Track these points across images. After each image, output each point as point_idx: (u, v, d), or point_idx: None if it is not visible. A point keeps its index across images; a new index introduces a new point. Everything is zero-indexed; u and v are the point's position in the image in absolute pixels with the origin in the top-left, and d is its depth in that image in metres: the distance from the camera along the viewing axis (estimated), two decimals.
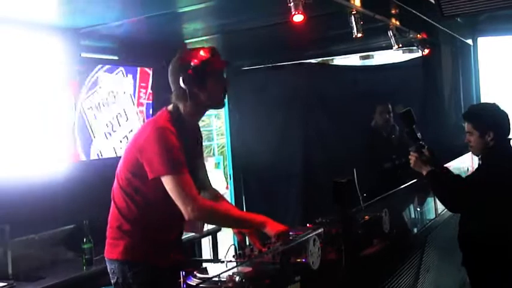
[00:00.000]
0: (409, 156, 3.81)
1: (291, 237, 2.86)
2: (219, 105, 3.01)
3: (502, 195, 3.48)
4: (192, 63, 2.79)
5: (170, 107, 2.91)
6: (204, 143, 3.33)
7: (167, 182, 2.70)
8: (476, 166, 4.18)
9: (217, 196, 3.22)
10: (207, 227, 5.34)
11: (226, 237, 5.95)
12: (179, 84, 2.82)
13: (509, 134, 3.72)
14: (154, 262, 2.86)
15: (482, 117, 3.71)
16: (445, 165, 3.89)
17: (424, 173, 3.72)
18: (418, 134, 3.82)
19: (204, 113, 3.03)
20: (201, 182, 3.09)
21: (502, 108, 3.77)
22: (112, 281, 2.92)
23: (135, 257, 2.86)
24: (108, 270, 2.94)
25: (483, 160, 3.78)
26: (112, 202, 2.95)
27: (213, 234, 5.68)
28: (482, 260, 3.63)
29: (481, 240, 3.58)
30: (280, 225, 2.80)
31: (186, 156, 2.78)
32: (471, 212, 3.65)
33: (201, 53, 2.82)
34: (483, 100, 7.21)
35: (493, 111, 3.77)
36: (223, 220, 3.01)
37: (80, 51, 5.04)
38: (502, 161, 3.61)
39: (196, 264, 3.25)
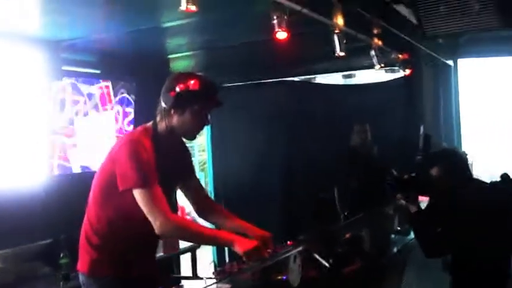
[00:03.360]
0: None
1: (268, 254, 2.81)
2: (190, 138, 2.97)
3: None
4: (179, 87, 2.72)
5: (150, 122, 2.89)
6: None
7: (137, 195, 2.66)
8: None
9: (214, 208, 3.18)
10: (185, 244, 5.31)
11: (206, 254, 5.90)
12: (163, 102, 2.78)
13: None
14: (122, 276, 2.81)
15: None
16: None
17: (413, 210, 3.73)
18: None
19: (180, 136, 2.98)
20: (193, 195, 3.11)
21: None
22: None
23: (101, 272, 2.82)
24: (80, 282, 2.91)
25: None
26: (85, 214, 2.91)
27: (192, 251, 5.63)
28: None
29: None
30: (249, 243, 2.70)
31: (163, 171, 2.74)
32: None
33: (198, 82, 2.74)
34: (463, 121, 7.28)
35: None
36: (191, 236, 2.95)
37: (61, 64, 5.00)
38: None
39: (174, 281, 3.20)
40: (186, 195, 3.17)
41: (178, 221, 2.78)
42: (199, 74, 3.13)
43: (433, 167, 3.71)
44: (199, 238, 2.99)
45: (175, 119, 2.79)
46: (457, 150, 3.84)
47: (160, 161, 2.76)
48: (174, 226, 2.71)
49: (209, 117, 2.86)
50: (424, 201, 3.99)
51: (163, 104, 2.76)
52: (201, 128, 2.90)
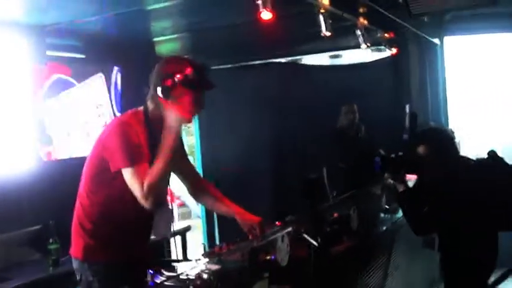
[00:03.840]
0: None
1: (254, 238, 2.81)
2: (186, 122, 2.95)
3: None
4: (177, 77, 2.69)
5: (141, 107, 2.88)
6: None
7: (125, 174, 2.67)
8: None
9: (207, 189, 3.18)
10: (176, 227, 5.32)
11: (196, 237, 5.92)
12: (155, 88, 2.74)
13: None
14: (116, 260, 2.82)
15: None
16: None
17: (400, 189, 3.76)
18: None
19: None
20: (186, 178, 3.12)
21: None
22: (77, 278, 2.90)
23: (94, 257, 2.84)
24: (73, 267, 2.92)
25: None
26: (77, 199, 2.91)
27: (182, 234, 5.65)
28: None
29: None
30: None
31: (156, 155, 2.73)
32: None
33: (192, 69, 2.71)
34: (449, 99, 7.30)
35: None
36: (163, 178, 2.77)
37: (45, 49, 4.95)
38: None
39: (164, 263, 3.20)
40: (180, 178, 3.17)
41: (148, 181, 2.65)
42: (189, 57, 3.12)
43: (419, 145, 3.72)
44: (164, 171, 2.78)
45: (171, 106, 2.76)
46: (444, 128, 3.85)
47: (153, 145, 2.75)
48: (148, 186, 2.63)
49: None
50: (411, 180, 4.01)
51: (159, 93, 2.71)
52: (198, 112, 2.88)
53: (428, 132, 4.10)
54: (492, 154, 3.73)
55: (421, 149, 3.71)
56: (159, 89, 2.70)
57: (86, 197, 2.86)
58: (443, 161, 3.65)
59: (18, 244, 4.47)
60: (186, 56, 3.13)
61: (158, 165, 2.67)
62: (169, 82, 2.68)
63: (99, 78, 5.43)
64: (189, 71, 2.70)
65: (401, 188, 3.77)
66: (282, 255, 2.49)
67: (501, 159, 3.71)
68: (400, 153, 3.86)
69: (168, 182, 2.89)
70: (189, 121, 2.91)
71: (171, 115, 2.73)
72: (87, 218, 2.85)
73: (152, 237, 3.07)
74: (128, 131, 2.70)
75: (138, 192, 2.64)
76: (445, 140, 3.78)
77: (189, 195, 3.24)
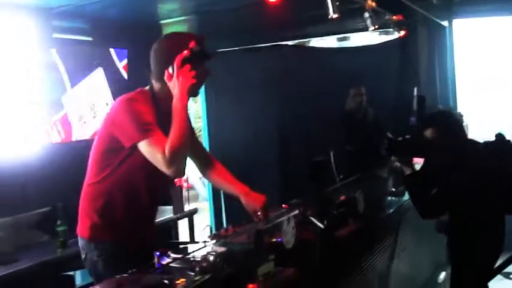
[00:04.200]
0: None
1: (259, 219, 2.83)
2: (195, 95, 2.95)
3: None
4: (179, 49, 2.68)
5: (147, 87, 2.88)
6: None
7: (142, 147, 2.65)
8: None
9: (215, 166, 3.21)
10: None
11: (203, 220, 5.94)
12: (161, 65, 2.75)
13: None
14: (122, 241, 2.83)
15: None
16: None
17: (407, 172, 3.76)
18: None
19: None
20: (195, 154, 3.12)
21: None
22: (82, 257, 2.92)
23: (101, 236, 2.84)
24: (79, 246, 2.94)
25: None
26: (85, 179, 2.92)
27: (190, 216, 5.67)
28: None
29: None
30: None
31: (164, 132, 2.73)
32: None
33: (190, 40, 2.71)
34: (458, 82, 7.26)
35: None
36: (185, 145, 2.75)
37: (52, 32, 4.95)
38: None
39: (170, 245, 3.23)
40: (190, 157, 3.12)
41: (169, 146, 2.62)
42: (185, 31, 3.12)
43: (427, 128, 3.72)
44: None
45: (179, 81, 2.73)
46: (452, 112, 3.84)
47: (161, 122, 2.74)
48: (170, 152, 2.60)
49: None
50: (418, 163, 4.01)
51: (170, 70, 2.70)
52: (204, 82, 2.86)
53: (436, 115, 4.08)
54: (500, 137, 3.72)
55: (428, 132, 3.70)
56: (170, 69, 2.69)
57: (94, 177, 2.86)
58: (451, 145, 3.64)
59: (26, 226, 4.49)
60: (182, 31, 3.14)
61: (175, 128, 2.63)
62: (177, 59, 2.66)
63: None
64: (193, 44, 2.70)
65: (408, 171, 3.77)
66: (287, 237, 2.49)
67: (509, 142, 3.70)
68: (408, 136, 3.85)
69: (187, 146, 2.85)
70: (197, 93, 2.92)
71: (180, 88, 2.69)
72: (95, 197, 2.86)
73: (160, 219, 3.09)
74: (136, 105, 2.70)
75: (160, 161, 2.60)
76: (453, 124, 3.77)
77: (198, 176, 3.27)
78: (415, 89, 3.86)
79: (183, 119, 2.66)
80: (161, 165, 2.61)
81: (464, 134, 3.80)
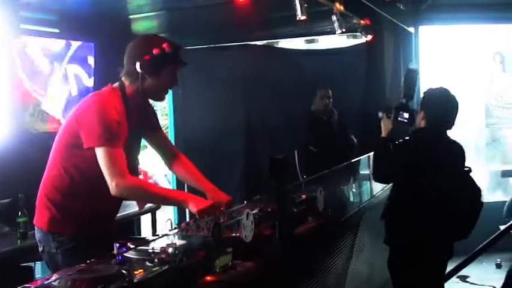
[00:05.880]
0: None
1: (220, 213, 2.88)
2: (160, 99, 3.05)
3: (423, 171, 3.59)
4: (155, 51, 2.76)
5: (116, 84, 2.91)
6: None
7: (99, 153, 2.70)
8: None
9: (182, 161, 3.27)
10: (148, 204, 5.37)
11: (166, 215, 5.94)
12: (133, 64, 2.80)
13: (445, 120, 3.79)
14: (82, 234, 2.84)
15: (422, 97, 3.85)
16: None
17: (383, 134, 3.83)
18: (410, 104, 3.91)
19: (147, 98, 3.03)
20: (161, 150, 3.22)
21: (449, 95, 3.83)
22: (39, 249, 2.93)
23: (60, 229, 2.86)
24: (36, 237, 2.95)
25: (412, 137, 3.87)
26: (46, 171, 2.92)
27: (152, 212, 5.67)
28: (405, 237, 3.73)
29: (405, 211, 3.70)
30: (203, 202, 2.81)
31: (132, 130, 2.79)
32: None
33: (168, 44, 2.80)
34: (422, 88, 7.37)
35: (433, 94, 3.87)
36: (146, 197, 3.14)
37: (19, 23, 4.91)
38: (428, 141, 3.71)
39: (131, 240, 3.24)
40: (155, 149, 3.25)
41: (133, 183, 2.81)
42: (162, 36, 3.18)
43: (424, 108, 3.76)
44: (154, 198, 3.22)
45: (148, 82, 2.84)
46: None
47: (130, 121, 2.82)
48: (129, 187, 2.75)
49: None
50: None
51: (138, 68, 2.77)
52: (171, 88, 2.98)
53: (438, 99, 4.04)
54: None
55: (421, 115, 3.74)
56: (137, 64, 2.76)
57: (55, 170, 2.87)
58: (437, 128, 3.71)
59: None
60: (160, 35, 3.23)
61: (156, 194, 2.95)
62: (148, 56, 2.76)
63: None
64: (166, 46, 2.78)
65: (385, 132, 3.83)
66: (246, 231, 2.54)
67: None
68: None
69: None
70: (163, 99, 3.04)
71: (150, 89, 2.84)
72: (55, 190, 2.87)
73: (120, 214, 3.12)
74: (106, 108, 2.74)
75: (109, 176, 2.69)
76: (446, 117, 3.80)
77: (163, 173, 3.35)
78: (380, 113, 3.88)
79: (165, 201, 3.13)
80: (109, 179, 2.70)
81: (450, 126, 3.81)
